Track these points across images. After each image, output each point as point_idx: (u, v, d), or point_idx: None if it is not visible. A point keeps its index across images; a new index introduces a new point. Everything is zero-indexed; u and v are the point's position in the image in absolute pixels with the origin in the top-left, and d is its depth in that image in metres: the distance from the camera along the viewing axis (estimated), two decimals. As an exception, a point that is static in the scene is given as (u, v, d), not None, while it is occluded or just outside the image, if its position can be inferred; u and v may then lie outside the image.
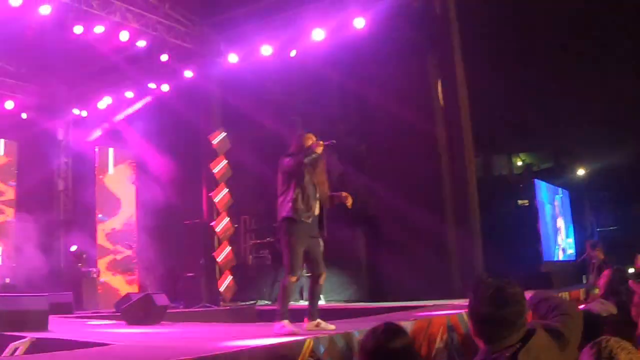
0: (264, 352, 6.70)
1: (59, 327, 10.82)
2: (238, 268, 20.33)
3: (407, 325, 8.56)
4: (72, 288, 17.69)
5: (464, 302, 13.52)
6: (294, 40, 19.27)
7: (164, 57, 20.22)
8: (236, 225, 20.62)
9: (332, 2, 18.37)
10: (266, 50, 19.64)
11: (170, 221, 20.84)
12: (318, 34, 18.59)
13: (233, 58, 20.28)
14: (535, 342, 3.86)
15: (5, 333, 9.25)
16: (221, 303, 19.10)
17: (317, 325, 8.99)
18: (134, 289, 20.95)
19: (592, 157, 36.94)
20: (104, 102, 23.06)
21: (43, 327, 10.17)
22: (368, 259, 18.79)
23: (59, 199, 24.50)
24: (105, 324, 12.66)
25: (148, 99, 22.31)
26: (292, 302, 9.30)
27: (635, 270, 10.54)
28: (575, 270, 21.58)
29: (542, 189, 23.51)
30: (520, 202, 23.16)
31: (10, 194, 23.04)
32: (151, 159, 21.98)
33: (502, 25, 27.85)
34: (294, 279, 8.94)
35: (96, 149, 22.96)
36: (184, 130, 21.14)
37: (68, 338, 8.76)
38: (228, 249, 20.17)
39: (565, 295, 14.31)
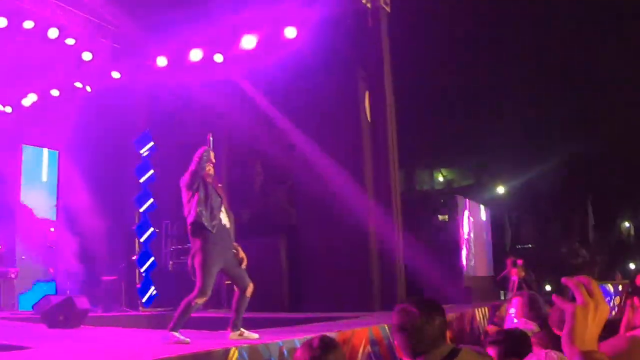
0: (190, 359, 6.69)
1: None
2: (158, 273, 20.19)
3: (332, 336, 8.60)
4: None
5: (385, 314, 13.67)
6: (224, 47, 19.23)
7: (88, 56, 19.97)
8: (157, 230, 20.48)
9: (265, 10, 18.36)
10: (195, 55, 19.57)
11: (92, 223, 20.59)
12: (248, 42, 18.59)
13: (162, 61, 20.15)
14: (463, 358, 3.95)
15: None
16: (140, 308, 18.95)
17: (241, 334, 8.98)
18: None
19: (512, 176, 37.69)
20: (29, 100, 22.65)
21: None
22: (289, 268, 18.80)
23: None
24: (23, 327, 12.50)
25: (73, 97, 21.96)
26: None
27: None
28: (494, 286, 21.92)
29: (463, 204, 23.79)
30: (440, 217, 23.43)
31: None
32: (75, 159, 21.70)
33: (431, 42, 28.28)
34: (201, 301, 8.83)
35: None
36: (110, 131, 20.90)
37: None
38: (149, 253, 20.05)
39: (484, 310, 14.52)
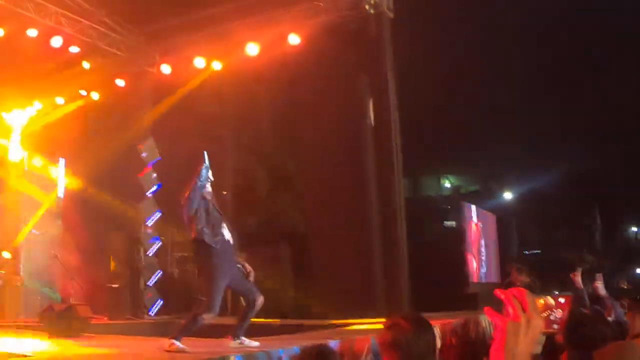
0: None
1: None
2: (163, 281, 20.16)
3: (333, 344, 8.57)
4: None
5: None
6: (227, 54, 19.21)
7: (86, 65, 19.99)
8: (163, 238, 20.45)
9: (268, 17, 18.35)
10: (199, 62, 19.56)
11: (96, 231, 20.54)
12: (252, 49, 18.57)
13: (166, 69, 20.15)
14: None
15: None
16: (145, 316, 18.91)
17: (241, 343, 8.96)
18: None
19: (519, 182, 37.61)
20: (34, 107, 22.66)
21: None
22: (294, 275, 18.78)
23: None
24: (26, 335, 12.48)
25: (79, 104, 21.95)
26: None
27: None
28: (500, 292, 21.81)
29: (469, 211, 23.73)
30: (447, 223, 23.37)
31: None
32: (79, 166, 21.66)
33: (437, 49, 28.22)
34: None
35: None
36: (114, 138, 20.87)
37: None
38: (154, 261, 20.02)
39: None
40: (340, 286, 16.88)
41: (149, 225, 20.26)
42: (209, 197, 9.35)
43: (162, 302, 19.70)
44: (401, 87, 17.85)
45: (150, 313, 19.29)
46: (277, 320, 15.61)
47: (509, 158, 36.67)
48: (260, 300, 9.34)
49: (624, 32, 34.55)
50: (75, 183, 21.56)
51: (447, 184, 39.15)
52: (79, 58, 19.82)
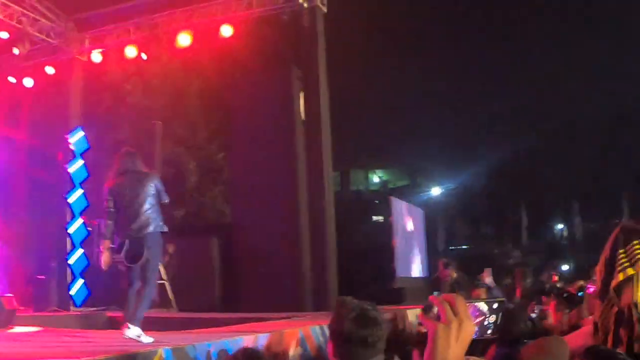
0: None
1: None
2: (90, 272, 19.92)
3: (261, 337, 8.61)
4: None
5: (317, 314, 13.68)
6: (159, 44, 19.06)
7: (16, 51, 19.67)
8: (90, 229, 20.21)
9: (201, 7, 18.27)
10: (131, 51, 19.38)
11: (23, 220, 20.26)
12: (184, 39, 18.45)
13: (97, 57, 19.94)
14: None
15: None
16: (71, 308, 18.69)
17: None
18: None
19: (447, 177, 38.03)
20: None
21: None
22: (222, 268, 18.72)
23: None
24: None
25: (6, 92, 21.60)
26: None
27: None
28: (427, 287, 22.01)
29: (397, 205, 23.88)
30: (375, 217, 23.50)
31: None
32: (4, 155, 21.33)
33: (368, 45, 28.37)
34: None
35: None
36: (43, 127, 20.59)
37: None
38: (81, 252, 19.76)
39: (417, 311, 14.51)
40: (269, 279, 16.89)
41: (79, 215, 20.01)
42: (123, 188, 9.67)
43: (89, 293, 19.48)
44: (332, 82, 17.90)
45: (76, 305, 19.07)
46: (205, 314, 15.56)
47: (437, 154, 37.04)
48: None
49: (548, 29, 35.20)
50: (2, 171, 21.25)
51: (376, 179, 39.38)
52: (8, 44, 19.49)
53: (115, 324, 12.73)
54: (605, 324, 4.51)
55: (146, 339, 8.67)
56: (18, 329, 12.15)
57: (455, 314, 2.26)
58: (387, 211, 23.07)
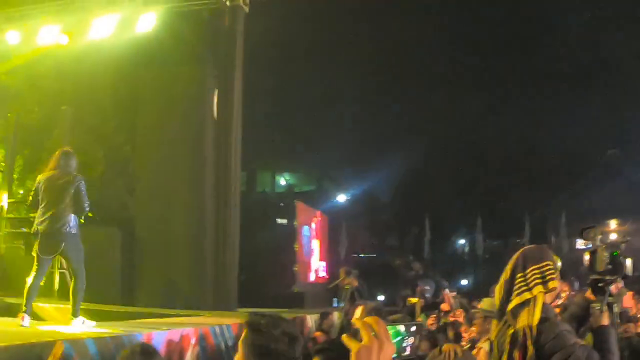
0: (16, 351, 6.54)
1: None
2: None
3: (160, 334, 8.59)
4: None
5: (218, 313, 13.68)
6: (76, 28, 18.72)
7: None
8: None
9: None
10: (46, 33, 18.96)
11: None
12: (100, 26, 18.18)
13: (13, 37, 19.49)
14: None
15: None
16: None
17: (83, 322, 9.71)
18: None
19: (353, 185, 38.29)
20: None
21: None
22: (123, 260, 18.52)
23: None
24: None
25: None
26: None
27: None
28: (327, 293, 22.15)
29: (302, 210, 24.00)
30: (279, 220, 23.58)
31: None
32: None
33: (284, 46, 28.44)
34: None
35: None
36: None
37: None
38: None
39: (316, 316, 14.59)
40: (170, 276, 16.83)
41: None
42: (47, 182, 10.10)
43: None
44: (246, 82, 17.90)
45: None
46: (104, 305, 15.39)
47: (344, 161, 37.26)
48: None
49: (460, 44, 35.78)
50: None
51: (283, 182, 39.45)
52: None
53: (11, 313, 12.55)
54: (501, 344, 4.68)
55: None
56: None
57: (376, 336, 2.35)
58: (291, 215, 23.18)
